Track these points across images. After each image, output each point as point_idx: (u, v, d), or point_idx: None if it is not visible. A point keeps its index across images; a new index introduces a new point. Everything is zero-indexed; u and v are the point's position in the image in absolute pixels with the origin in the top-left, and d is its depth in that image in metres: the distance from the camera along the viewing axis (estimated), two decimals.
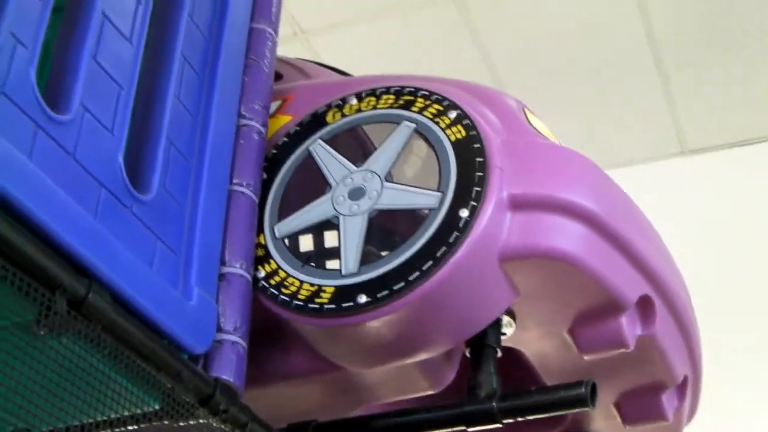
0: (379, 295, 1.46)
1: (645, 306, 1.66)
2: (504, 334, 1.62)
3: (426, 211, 1.52)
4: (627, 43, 3.61)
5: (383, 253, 1.50)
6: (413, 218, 1.52)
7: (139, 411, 1.31)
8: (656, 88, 3.75)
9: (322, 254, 1.55)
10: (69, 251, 1.16)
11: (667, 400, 1.81)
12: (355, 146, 1.66)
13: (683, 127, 3.90)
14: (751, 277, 3.54)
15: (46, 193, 1.15)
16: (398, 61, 3.62)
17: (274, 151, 1.70)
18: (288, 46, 3.47)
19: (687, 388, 1.85)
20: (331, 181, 1.62)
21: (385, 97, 1.70)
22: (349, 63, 2.85)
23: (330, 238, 1.56)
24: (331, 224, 1.57)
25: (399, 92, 1.69)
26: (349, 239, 1.54)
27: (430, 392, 1.65)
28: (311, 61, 2.14)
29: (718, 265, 3.59)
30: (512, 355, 1.73)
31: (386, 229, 1.53)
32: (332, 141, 1.69)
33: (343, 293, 1.48)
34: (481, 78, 3.56)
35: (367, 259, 1.51)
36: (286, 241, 1.58)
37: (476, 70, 3.67)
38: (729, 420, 3.20)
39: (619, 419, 1.85)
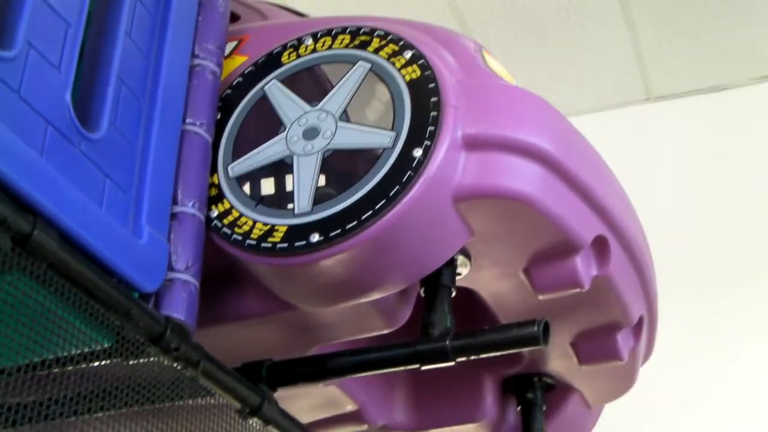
0: (331, 234, 1.45)
1: (600, 246, 1.67)
2: (459, 274, 1.63)
3: (381, 151, 1.51)
4: None
5: (338, 193, 1.50)
6: (368, 158, 1.52)
7: (89, 349, 1.30)
8: (623, 34, 3.74)
9: (282, 197, 1.55)
10: (13, 188, 1.15)
11: (623, 339, 1.83)
12: (314, 86, 1.65)
13: (649, 74, 3.89)
14: (713, 223, 3.56)
15: None
16: (363, 8, 3.59)
17: (229, 92, 1.69)
18: None
19: (642, 328, 1.87)
20: (285, 121, 1.61)
21: (341, 37, 1.69)
22: (312, 8, 2.83)
23: (290, 182, 1.55)
24: (286, 165, 1.56)
25: (355, 32, 1.68)
26: (302, 179, 1.53)
27: (385, 331, 1.66)
28: (269, 3, 2.12)
29: (680, 210, 3.61)
30: (469, 295, 1.74)
31: (342, 169, 1.53)
32: (289, 81, 1.67)
33: (296, 232, 1.48)
34: (446, 24, 3.54)
35: (321, 199, 1.51)
36: (241, 181, 1.58)
37: (443, 16, 3.65)
38: (686, 363, 3.23)
39: (575, 359, 1.87)
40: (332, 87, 1.63)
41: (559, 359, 1.89)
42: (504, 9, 3.67)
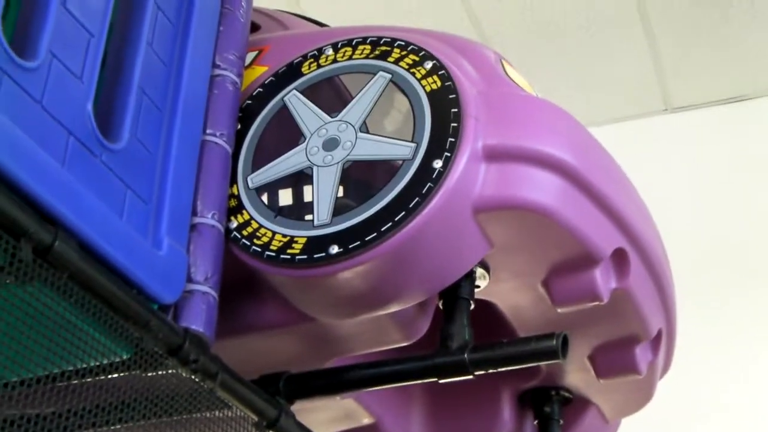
0: (351, 246, 1.45)
1: (619, 259, 1.66)
2: (478, 286, 1.62)
3: (401, 162, 1.51)
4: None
5: (358, 205, 1.49)
6: (389, 169, 1.51)
7: (107, 361, 1.30)
8: (642, 45, 3.73)
9: (300, 207, 1.54)
10: (35, 199, 1.15)
11: (641, 353, 1.82)
12: (333, 97, 1.65)
13: (668, 85, 3.88)
14: (732, 234, 3.55)
15: (11, 140, 1.13)
16: (383, 18, 3.59)
17: (249, 102, 1.69)
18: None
19: (661, 341, 1.86)
20: (305, 131, 1.61)
21: (361, 47, 1.68)
22: (334, 18, 2.83)
23: (309, 193, 1.55)
24: (305, 175, 1.56)
25: (375, 43, 1.68)
26: (322, 190, 1.53)
27: (403, 344, 1.65)
28: (290, 13, 2.12)
29: (699, 220, 3.59)
30: (487, 308, 1.73)
31: (361, 180, 1.53)
32: (309, 92, 1.67)
33: (315, 244, 1.48)
34: (466, 34, 3.54)
35: (341, 210, 1.50)
36: (260, 192, 1.58)
37: (462, 26, 3.64)
38: (703, 374, 3.22)
39: (593, 372, 1.86)
40: (352, 98, 1.63)
41: (576, 373, 1.88)
42: (523, 19, 3.67)
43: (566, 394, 1.93)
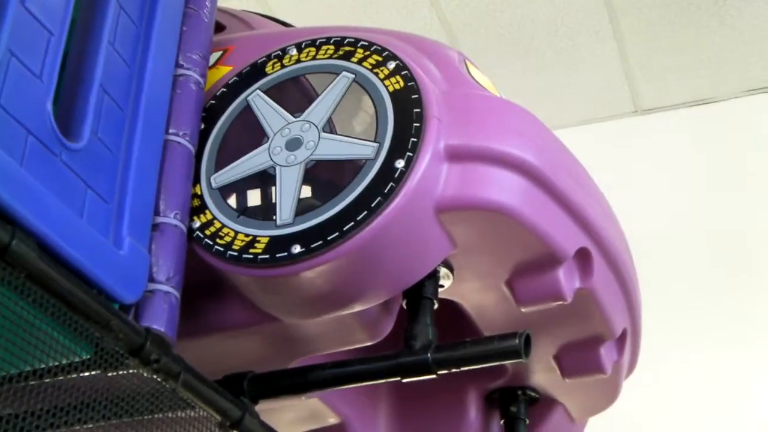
0: (313, 246, 1.45)
1: (583, 258, 1.67)
2: (442, 286, 1.62)
3: (363, 162, 1.51)
4: (583, 2, 3.60)
5: (320, 204, 1.49)
6: (351, 169, 1.51)
7: (67, 361, 1.29)
8: (611, 47, 3.75)
9: (267, 208, 1.54)
10: None
11: (606, 353, 1.83)
12: (299, 97, 1.65)
13: (637, 87, 3.90)
14: (699, 236, 3.57)
15: None
16: (351, 19, 3.59)
17: (213, 102, 1.69)
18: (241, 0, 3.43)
19: (626, 341, 1.87)
20: (268, 131, 1.61)
21: (325, 47, 1.68)
22: (302, 18, 2.83)
23: (274, 195, 1.55)
24: (269, 176, 1.56)
25: (339, 43, 1.68)
26: (285, 190, 1.53)
27: (368, 343, 1.65)
28: (256, 13, 2.12)
29: (667, 223, 3.61)
30: (452, 308, 1.73)
31: (325, 179, 1.53)
32: (273, 92, 1.67)
33: (278, 243, 1.48)
34: (435, 36, 3.55)
35: (303, 210, 1.50)
36: (226, 192, 1.57)
37: (431, 27, 3.65)
38: (670, 373, 3.23)
39: (558, 372, 1.86)
40: (316, 97, 1.63)
41: (542, 372, 1.88)
42: (492, 20, 3.68)
43: (533, 394, 1.94)
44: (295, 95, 1.65)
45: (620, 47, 3.75)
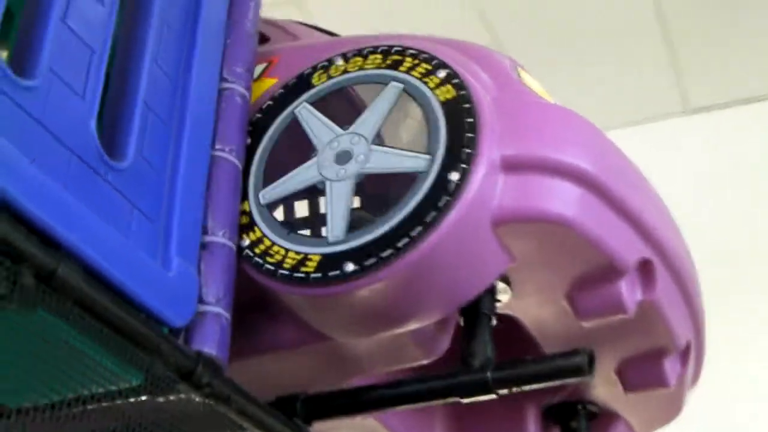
0: (366, 263, 1.40)
1: (645, 270, 1.61)
2: (499, 301, 1.57)
3: (416, 174, 1.46)
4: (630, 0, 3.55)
5: (374, 218, 1.45)
6: (403, 182, 1.47)
7: (117, 387, 1.26)
8: (659, 46, 3.69)
9: (315, 219, 1.50)
10: (36, 223, 1.10)
11: (670, 366, 1.76)
12: (346, 108, 1.60)
13: (686, 86, 3.83)
14: (756, 236, 3.49)
15: (10, 162, 1.09)
16: (394, 23, 3.55)
17: (259, 115, 1.64)
18: (282, 9, 3.41)
19: (690, 353, 1.80)
20: (317, 145, 1.56)
21: (372, 56, 1.64)
22: (344, 26, 2.79)
23: (324, 204, 1.51)
24: (318, 190, 1.51)
25: (386, 52, 1.63)
26: (335, 205, 1.48)
27: (423, 362, 1.60)
28: (300, 23, 2.08)
29: (720, 224, 3.54)
30: (509, 323, 1.68)
31: (375, 193, 1.48)
32: (319, 103, 1.63)
33: (330, 261, 1.43)
34: (480, 39, 3.49)
35: (355, 226, 1.45)
36: (273, 206, 1.53)
37: (475, 31, 3.60)
38: (733, 388, 3.16)
39: (620, 386, 1.80)
40: (365, 108, 1.58)
41: (603, 386, 1.82)
42: (538, 23, 3.63)
43: (593, 409, 1.88)
44: (342, 107, 1.60)
45: (668, 46, 3.68)
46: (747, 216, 3.56)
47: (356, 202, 1.48)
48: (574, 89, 3.68)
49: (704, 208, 3.57)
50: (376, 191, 1.48)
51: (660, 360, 1.74)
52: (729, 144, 3.76)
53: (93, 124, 1.25)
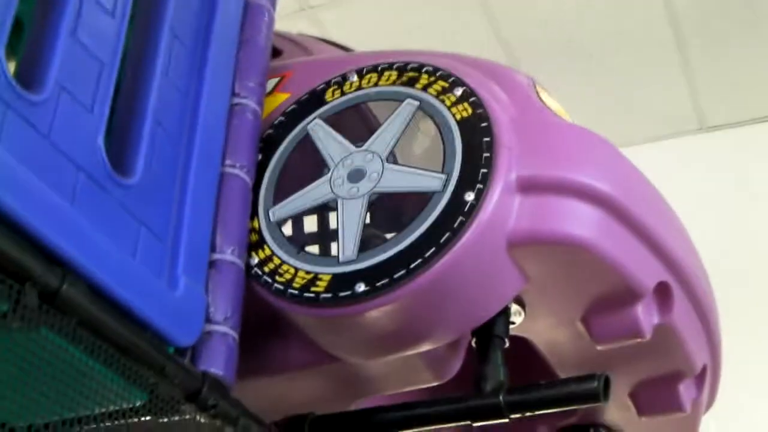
0: (378, 284, 1.38)
1: (663, 293, 1.58)
2: (513, 323, 1.55)
3: (431, 194, 1.43)
4: (646, 18, 3.52)
5: (388, 236, 1.42)
6: (417, 201, 1.44)
7: (121, 407, 1.23)
8: (675, 64, 3.66)
9: (325, 235, 1.47)
10: (41, 240, 1.08)
11: (685, 390, 1.73)
12: (359, 125, 1.58)
13: (702, 104, 3.80)
14: None
15: (15, 178, 1.07)
16: (408, 37, 3.53)
17: (270, 131, 1.62)
18: (294, 21, 3.39)
19: (706, 377, 1.77)
20: (329, 162, 1.54)
21: (387, 73, 1.61)
22: (358, 39, 2.76)
23: (334, 219, 1.48)
24: (329, 208, 1.49)
25: (402, 68, 1.60)
26: (347, 223, 1.45)
27: (434, 384, 1.57)
28: (314, 37, 2.05)
29: (737, 241, 3.50)
30: (522, 344, 1.65)
31: (389, 213, 1.45)
32: (333, 120, 1.61)
33: (341, 281, 1.40)
34: (494, 55, 3.47)
35: (367, 245, 1.42)
36: (283, 222, 1.50)
37: (489, 46, 3.57)
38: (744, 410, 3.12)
39: (634, 410, 1.77)
40: (379, 125, 1.55)
41: (617, 410, 1.79)
42: (553, 39, 3.60)
43: None
44: (356, 123, 1.58)
45: (684, 63, 3.65)
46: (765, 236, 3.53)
47: (367, 226, 1.45)
48: (590, 106, 3.66)
49: (722, 227, 3.53)
50: (389, 209, 1.46)
51: (675, 384, 1.71)
52: (746, 162, 3.73)
53: (101, 139, 1.23)
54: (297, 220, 1.51)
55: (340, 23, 3.53)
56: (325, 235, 1.47)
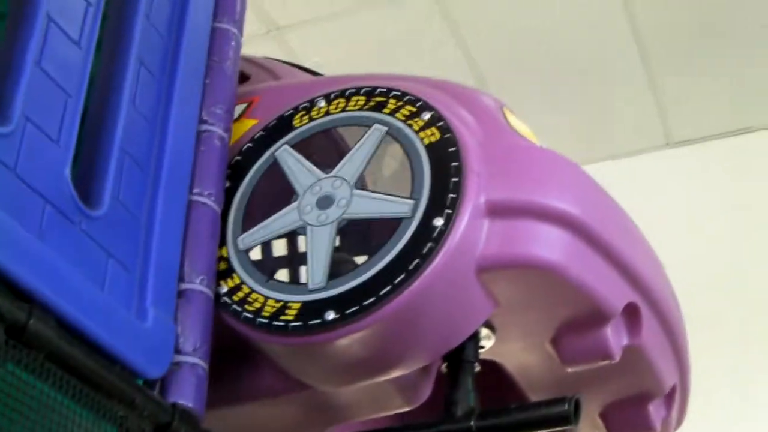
0: (348, 312, 1.37)
1: (631, 314, 1.58)
2: (483, 347, 1.54)
3: (399, 220, 1.43)
4: (612, 34, 3.54)
5: (357, 260, 1.41)
6: (386, 227, 1.44)
7: None
8: (641, 80, 3.68)
9: (294, 260, 1.46)
10: (6, 275, 1.07)
11: (655, 410, 1.74)
12: (330, 149, 1.57)
13: (668, 119, 3.82)
14: (735, 269, 3.48)
15: None
16: (377, 59, 3.54)
17: (239, 158, 1.61)
18: (261, 44, 3.38)
19: (675, 397, 1.77)
20: (297, 189, 1.53)
21: (355, 98, 1.61)
22: (326, 62, 2.77)
23: (303, 243, 1.48)
24: (297, 235, 1.48)
25: (370, 93, 1.60)
26: (316, 251, 1.45)
27: (406, 409, 1.57)
28: (281, 61, 2.05)
29: (701, 257, 3.52)
30: (492, 367, 1.65)
31: (358, 239, 1.45)
32: (301, 145, 1.60)
33: (310, 309, 1.40)
34: (462, 75, 3.48)
35: (336, 273, 1.42)
36: (250, 253, 1.50)
37: (457, 67, 3.59)
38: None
39: (605, 431, 1.77)
40: (349, 149, 1.55)
41: (587, 430, 1.79)
42: (520, 56, 3.62)
43: None
44: (324, 149, 1.57)
45: (650, 79, 3.68)
46: (730, 249, 3.55)
47: (336, 253, 1.45)
48: (557, 123, 3.68)
49: (686, 242, 3.55)
50: (359, 234, 1.45)
51: (645, 404, 1.72)
52: (713, 177, 3.75)
53: (68, 171, 1.22)
54: (266, 244, 1.50)
55: (307, 45, 3.53)
56: (295, 259, 1.47)
